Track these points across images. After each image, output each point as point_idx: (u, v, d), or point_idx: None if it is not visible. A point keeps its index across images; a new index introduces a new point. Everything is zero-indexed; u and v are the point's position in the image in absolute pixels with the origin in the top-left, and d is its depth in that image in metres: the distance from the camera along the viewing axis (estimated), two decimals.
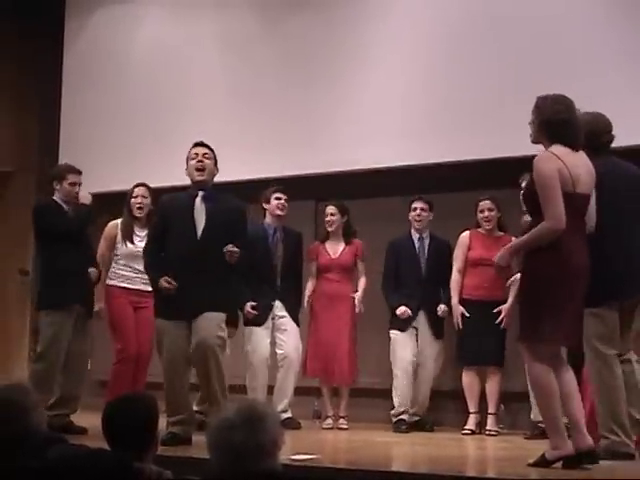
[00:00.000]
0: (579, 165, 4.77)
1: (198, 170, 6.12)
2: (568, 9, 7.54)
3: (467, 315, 7.23)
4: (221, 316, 6.00)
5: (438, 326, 7.49)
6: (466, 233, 7.43)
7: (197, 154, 6.16)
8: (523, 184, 6.52)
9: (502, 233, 7.38)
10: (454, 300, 7.30)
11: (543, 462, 4.73)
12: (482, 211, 7.39)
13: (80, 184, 6.93)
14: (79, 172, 6.96)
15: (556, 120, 4.81)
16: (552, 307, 4.68)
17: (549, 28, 7.50)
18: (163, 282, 5.89)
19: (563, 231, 4.63)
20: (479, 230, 7.43)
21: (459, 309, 7.27)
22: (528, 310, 4.82)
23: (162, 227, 6.13)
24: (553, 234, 4.66)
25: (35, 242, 7.11)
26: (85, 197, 6.87)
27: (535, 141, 4.93)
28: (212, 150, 6.22)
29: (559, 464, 4.70)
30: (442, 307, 7.39)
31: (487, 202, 7.38)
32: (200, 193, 6.11)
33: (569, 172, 4.69)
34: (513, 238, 7.24)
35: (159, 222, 6.23)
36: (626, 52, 7.22)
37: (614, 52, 7.25)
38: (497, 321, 7.14)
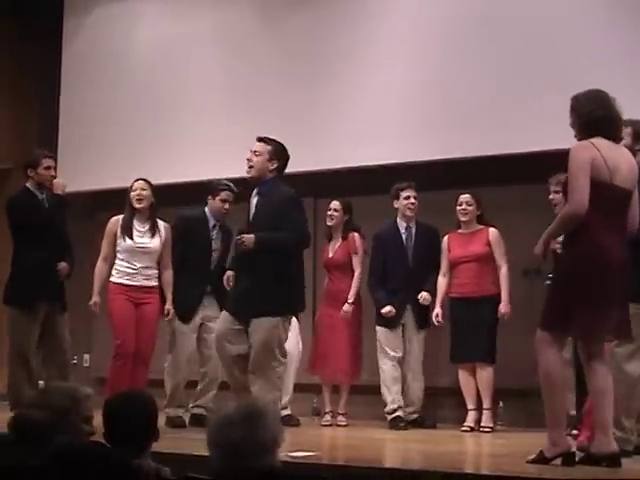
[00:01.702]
0: (619, 158, 4.77)
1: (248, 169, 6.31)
2: (565, 8, 7.53)
3: (440, 320, 7.28)
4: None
5: (424, 317, 7.45)
6: (445, 238, 7.45)
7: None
8: (552, 188, 6.55)
9: (481, 226, 7.39)
10: (437, 300, 7.33)
11: (542, 459, 4.74)
12: (460, 204, 7.39)
13: (55, 168, 6.90)
14: (53, 157, 6.96)
15: (593, 119, 4.81)
16: (583, 300, 4.66)
17: (546, 27, 7.51)
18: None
19: (597, 224, 4.64)
20: (458, 231, 7.45)
21: (437, 310, 7.30)
22: (558, 299, 4.81)
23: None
24: (573, 219, 4.69)
25: (11, 235, 7.06)
26: (58, 186, 6.83)
27: (579, 139, 4.88)
28: (268, 141, 6.29)
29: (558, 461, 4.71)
30: (424, 294, 7.35)
31: (467, 196, 7.38)
32: (255, 190, 6.26)
33: (605, 162, 4.70)
34: (491, 229, 7.28)
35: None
36: (625, 51, 7.22)
37: (613, 52, 7.24)
38: (501, 319, 7.17)
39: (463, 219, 7.40)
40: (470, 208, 7.38)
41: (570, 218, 4.73)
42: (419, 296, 7.35)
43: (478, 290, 7.25)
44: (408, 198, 7.44)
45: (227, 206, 7.30)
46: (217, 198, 7.32)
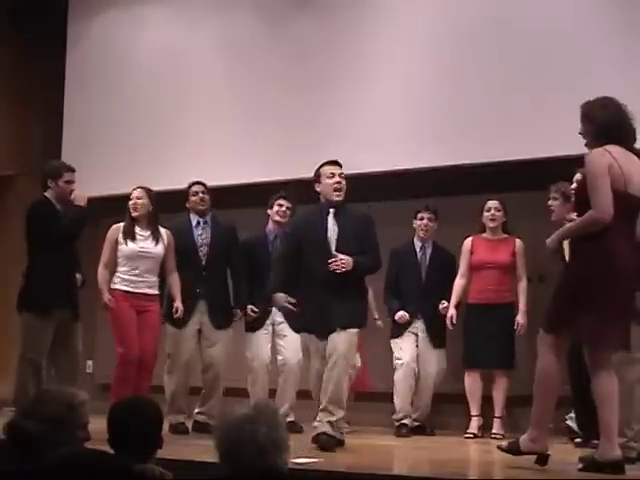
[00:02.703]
0: (632, 166, 4.77)
1: (336, 190, 6.23)
2: (572, 14, 7.53)
3: (454, 322, 7.31)
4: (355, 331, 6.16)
5: (439, 335, 7.49)
6: (469, 239, 7.47)
7: (334, 174, 6.26)
8: (552, 194, 6.55)
9: (506, 235, 7.40)
10: (452, 302, 7.35)
11: (515, 449, 4.81)
12: (489, 210, 7.42)
13: (74, 183, 6.90)
14: (74, 170, 6.94)
15: (609, 126, 4.82)
16: (591, 306, 4.66)
17: (552, 32, 7.49)
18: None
19: (612, 231, 4.64)
20: (483, 235, 7.46)
21: (451, 311, 7.31)
22: (564, 303, 4.81)
23: (296, 246, 6.29)
24: (598, 225, 4.68)
25: (27, 242, 7.00)
26: (80, 198, 6.81)
27: (590, 148, 4.90)
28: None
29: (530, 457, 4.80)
30: (445, 303, 7.38)
31: (495, 202, 7.42)
32: (332, 210, 6.22)
33: (621, 170, 4.70)
34: (517, 240, 7.30)
35: (291, 241, 6.39)
36: (630, 53, 7.21)
37: (617, 56, 7.24)
38: (517, 332, 7.18)
39: (491, 225, 7.41)
40: (499, 214, 7.40)
41: (594, 223, 4.70)
42: (440, 304, 7.36)
43: (497, 298, 7.27)
44: (422, 219, 7.59)
45: (201, 196, 7.44)
46: (190, 196, 7.46)
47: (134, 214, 7.15)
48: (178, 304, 7.11)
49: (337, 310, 6.01)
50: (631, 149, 4.85)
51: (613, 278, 4.65)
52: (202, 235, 7.40)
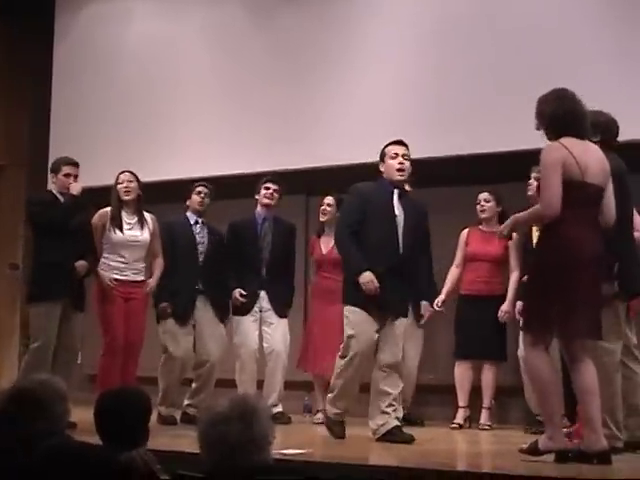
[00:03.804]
0: (588, 155, 4.81)
1: (399, 171, 6.09)
2: (561, 5, 7.55)
3: (440, 305, 7.33)
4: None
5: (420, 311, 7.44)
6: (465, 230, 7.49)
7: (397, 154, 6.12)
8: (533, 175, 6.59)
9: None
10: (444, 290, 7.37)
11: (535, 450, 4.76)
12: (479, 202, 7.45)
13: (76, 176, 6.95)
14: (75, 164, 7.01)
15: (558, 115, 4.86)
16: (558, 297, 4.69)
17: (542, 24, 7.52)
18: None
19: (568, 220, 4.67)
20: (479, 227, 7.48)
21: (442, 296, 7.35)
22: (534, 299, 4.85)
23: (362, 212, 6.05)
24: (544, 218, 4.78)
25: (31, 234, 7.12)
26: (74, 188, 6.88)
27: (549, 139, 4.94)
28: (408, 149, 6.19)
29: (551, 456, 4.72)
30: (441, 298, 7.38)
31: (485, 194, 7.45)
32: (396, 191, 6.10)
33: (577, 161, 4.73)
34: (513, 233, 7.30)
35: (359, 205, 6.09)
36: (620, 50, 7.23)
37: (607, 49, 7.27)
38: (500, 319, 7.19)
39: (482, 216, 7.44)
40: (487, 205, 7.42)
41: (540, 217, 4.86)
42: (435, 302, 7.34)
43: (488, 289, 7.31)
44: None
45: (204, 198, 7.47)
46: (193, 194, 7.47)
47: (125, 198, 7.16)
48: (153, 283, 7.15)
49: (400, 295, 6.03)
50: (585, 139, 4.88)
51: (571, 266, 4.68)
52: (200, 234, 7.43)
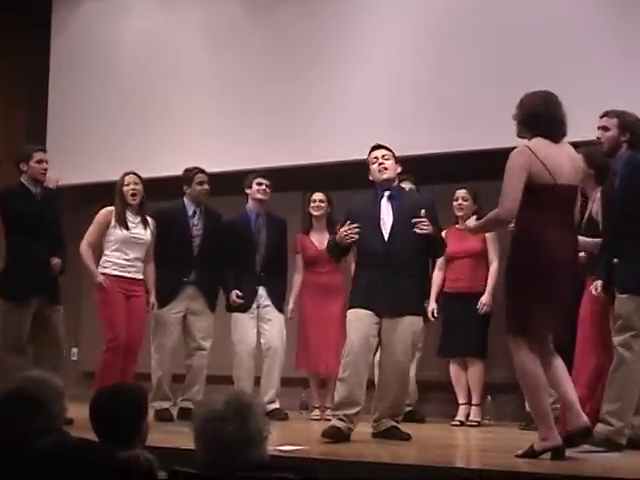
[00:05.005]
0: (559, 157, 4.81)
1: (381, 172, 6.08)
2: (561, 5, 7.55)
3: (436, 316, 7.31)
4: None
5: None
6: (443, 233, 7.44)
7: (377, 158, 6.12)
8: None
9: None
10: (431, 296, 7.33)
11: (531, 453, 4.77)
12: (456, 199, 7.43)
13: (47, 162, 6.89)
14: (44, 150, 6.96)
15: (531, 114, 4.88)
16: (535, 299, 4.74)
17: (540, 22, 7.52)
18: None
19: (539, 223, 4.71)
20: (455, 226, 7.46)
21: (432, 305, 7.31)
22: (513, 302, 4.88)
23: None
24: (501, 223, 4.94)
25: (3, 228, 7.00)
26: (51, 180, 6.84)
27: (519, 135, 4.99)
28: (390, 150, 6.18)
29: (547, 455, 4.73)
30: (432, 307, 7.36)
31: (462, 191, 7.43)
32: (386, 193, 6.09)
33: (544, 165, 4.73)
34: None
35: (343, 223, 6.11)
36: (620, 50, 7.22)
37: (608, 48, 7.26)
38: (479, 311, 7.19)
39: (458, 214, 7.41)
40: (466, 203, 7.39)
41: (498, 221, 4.93)
42: (430, 313, 7.25)
43: (471, 286, 7.30)
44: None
45: (205, 186, 7.42)
46: (193, 183, 7.40)
47: (133, 202, 7.16)
48: (153, 300, 7.20)
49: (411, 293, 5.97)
50: (557, 142, 4.86)
51: (544, 265, 4.71)
52: (197, 226, 7.41)
